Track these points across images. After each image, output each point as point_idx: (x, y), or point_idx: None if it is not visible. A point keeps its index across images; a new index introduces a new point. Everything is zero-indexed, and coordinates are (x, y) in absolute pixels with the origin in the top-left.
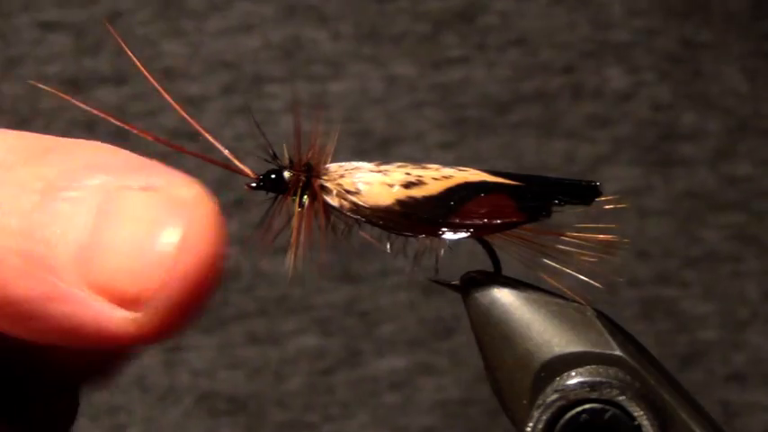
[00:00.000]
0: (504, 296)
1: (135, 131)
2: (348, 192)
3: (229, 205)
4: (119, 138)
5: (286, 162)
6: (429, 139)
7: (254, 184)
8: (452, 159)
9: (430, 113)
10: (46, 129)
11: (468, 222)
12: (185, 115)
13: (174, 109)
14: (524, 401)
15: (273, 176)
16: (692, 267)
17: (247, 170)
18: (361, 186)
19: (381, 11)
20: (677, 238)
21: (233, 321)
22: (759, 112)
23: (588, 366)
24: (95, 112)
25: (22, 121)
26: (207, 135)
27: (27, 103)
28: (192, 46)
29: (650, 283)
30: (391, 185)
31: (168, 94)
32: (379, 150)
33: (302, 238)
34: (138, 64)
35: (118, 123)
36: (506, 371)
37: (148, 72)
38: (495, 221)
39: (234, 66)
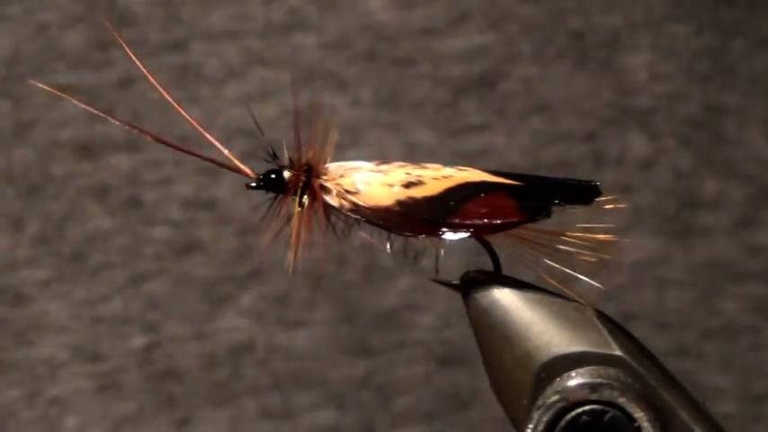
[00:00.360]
0: (503, 296)
1: (148, 136)
2: (348, 192)
3: (244, 277)
4: (130, 205)
5: (286, 162)
6: None
7: (253, 184)
8: None
9: None
10: (57, 196)
11: (469, 222)
12: (187, 117)
13: (189, 177)
14: (525, 402)
15: (273, 176)
16: (711, 339)
17: (247, 170)
18: (361, 186)
19: (401, 76)
20: (696, 309)
21: (246, 395)
22: None
23: (588, 367)
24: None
25: (33, 188)
26: (207, 135)
27: (38, 169)
28: (208, 113)
29: (668, 355)
30: (391, 185)
31: (183, 164)
32: None
33: (302, 237)
34: (141, 67)
35: (129, 127)
36: (506, 371)
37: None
38: (495, 221)
39: (251, 133)
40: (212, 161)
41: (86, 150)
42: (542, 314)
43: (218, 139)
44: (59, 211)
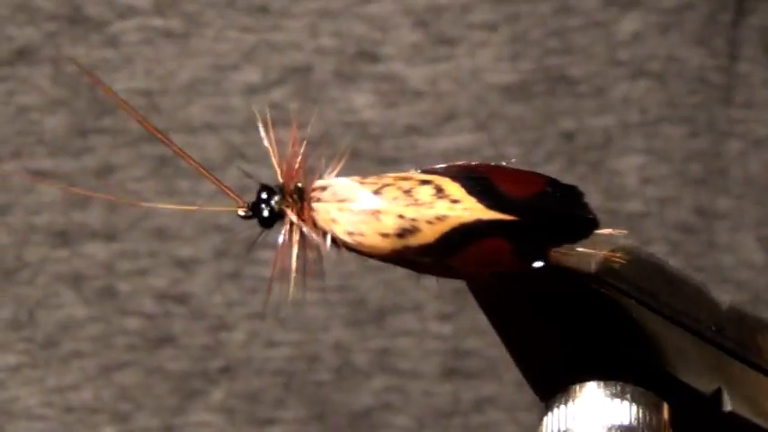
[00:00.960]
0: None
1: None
2: (342, 239)
3: (216, 373)
4: (104, 294)
5: (275, 193)
6: (427, 311)
7: (242, 213)
8: (450, 330)
9: (428, 283)
10: (31, 281)
11: (465, 270)
12: (170, 143)
13: (164, 270)
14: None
15: (265, 216)
16: None
17: (238, 199)
18: (356, 238)
19: (384, 175)
20: None
21: None
22: None
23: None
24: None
25: (6, 272)
26: (196, 165)
27: (13, 253)
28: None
29: None
30: (385, 235)
31: (159, 255)
32: (375, 322)
33: (293, 267)
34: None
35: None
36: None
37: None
38: (490, 268)
39: (227, 229)
40: (214, 181)
41: (62, 237)
42: None
43: (193, 237)
44: (33, 296)
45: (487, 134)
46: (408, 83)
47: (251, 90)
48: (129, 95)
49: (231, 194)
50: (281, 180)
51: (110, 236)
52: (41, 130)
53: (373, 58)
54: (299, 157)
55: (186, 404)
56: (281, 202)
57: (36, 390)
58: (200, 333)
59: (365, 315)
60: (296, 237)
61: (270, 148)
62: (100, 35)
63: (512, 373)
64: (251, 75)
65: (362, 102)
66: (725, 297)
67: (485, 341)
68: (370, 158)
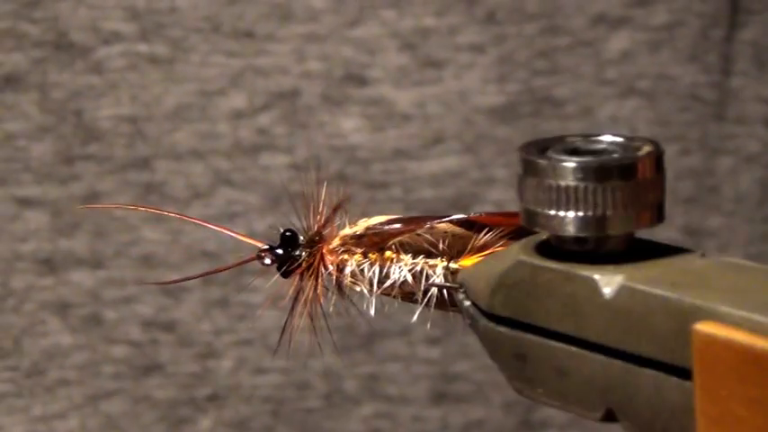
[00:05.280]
0: None
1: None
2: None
3: (203, 400)
4: (90, 322)
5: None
6: (415, 335)
7: (268, 261)
8: (438, 354)
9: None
10: (17, 309)
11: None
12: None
13: (151, 297)
14: None
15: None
16: None
17: (259, 245)
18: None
19: (372, 199)
20: None
21: None
22: None
23: None
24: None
25: None
26: (212, 226)
27: None
28: (172, 233)
29: None
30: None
31: (145, 281)
32: (364, 347)
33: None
34: None
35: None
36: None
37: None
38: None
39: (215, 256)
40: (233, 233)
41: (48, 264)
42: None
43: (180, 264)
44: (18, 324)
45: (475, 156)
46: (396, 106)
47: (237, 115)
48: (114, 122)
49: (252, 241)
50: (303, 228)
51: (96, 263)
52: (28, 156)
53: (361, 81)
54: (321, 208)
55: None
56: (303, 255)
57: (21, 419)
58: (188, 360)
59: (355, 341)
60: (310, 283)
61: (295, 205)
62: (85, 61)
63: (500, 395)
64: (237, 100)
65: (350, 126)
66: None
67: (473, 364)
68: (358, 182)
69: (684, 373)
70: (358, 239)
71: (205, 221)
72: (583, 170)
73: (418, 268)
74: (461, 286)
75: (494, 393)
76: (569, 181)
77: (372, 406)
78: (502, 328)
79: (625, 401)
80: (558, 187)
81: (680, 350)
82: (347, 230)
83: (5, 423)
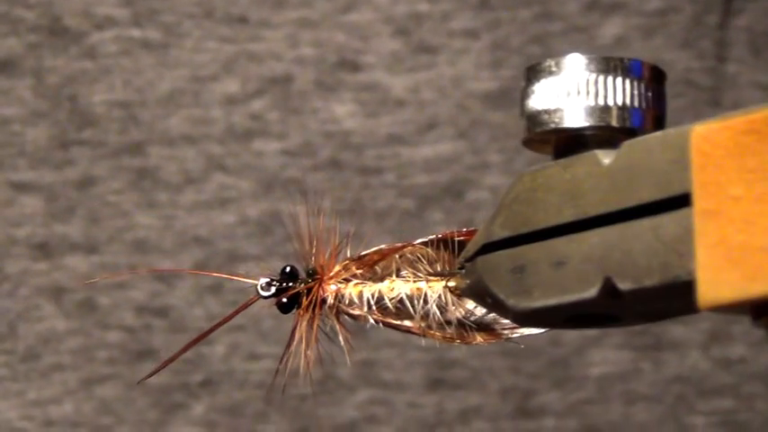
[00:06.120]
0: None
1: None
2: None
3: (197, 386)
4: (85, 308)
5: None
6: None
7: (264, 294)
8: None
9: None
10: (11, 294)
11: None
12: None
13: (144, 283)
14: None
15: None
16: None
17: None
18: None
19: (366, 185)
20: (664, 424)
21: None
22: None
23: None
24: None
25: None
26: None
27: None
28: (165, 219)
29: None
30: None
31: (138, 267)
32: (357, 333)
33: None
34: None
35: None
36: None
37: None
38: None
39: (207, 242)
40: (233, 277)
41: (43, 249)
42: None
43: (173, 250)
44: (13, 309)
45: (469, 142)
46: (390, 92)
47: (230, 101)
48: (108, 107)
49: (249, 280)
50: (304, 261)
51: (91, 248)
52: (23, 141)
53: (354, 67)
54: (320, 241)
55: (167, 418)
56: (304, 288)
57: (16, 403)
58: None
59: (348, 325)
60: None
61: (295, 236)
62: (79, 46)
63: (496, 382)
64: (230, 85)
65: (344, 111)
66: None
67: (468, 351)
68: (352, 168)
69: (683, 201)
70: (357, 266)
71: (200, 271)
72: (588, 62)
73: (419, 285)
74: (462, 267)
75: (490, 380)
76: (575, 72)
77: (367, 392)
78: (499, 252)
79: (624, 259)
80: (565, 80)
81: (679, 177)
82: (345, 261)
83: (1, 407)
